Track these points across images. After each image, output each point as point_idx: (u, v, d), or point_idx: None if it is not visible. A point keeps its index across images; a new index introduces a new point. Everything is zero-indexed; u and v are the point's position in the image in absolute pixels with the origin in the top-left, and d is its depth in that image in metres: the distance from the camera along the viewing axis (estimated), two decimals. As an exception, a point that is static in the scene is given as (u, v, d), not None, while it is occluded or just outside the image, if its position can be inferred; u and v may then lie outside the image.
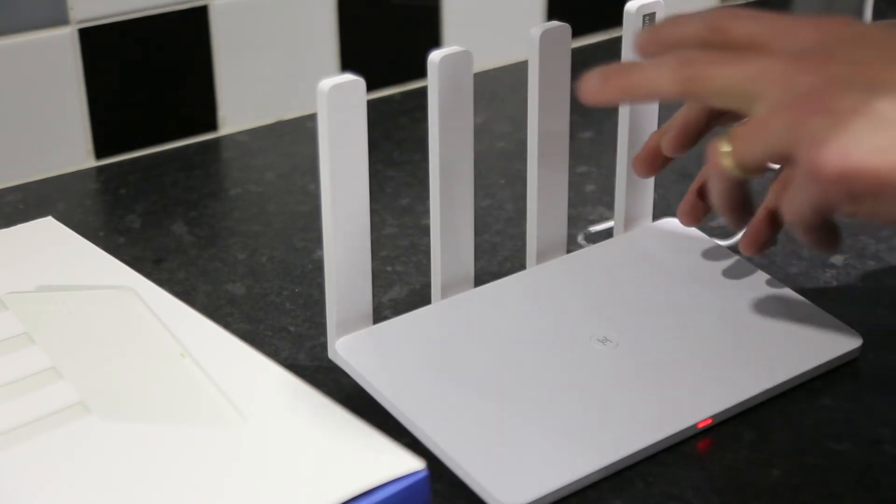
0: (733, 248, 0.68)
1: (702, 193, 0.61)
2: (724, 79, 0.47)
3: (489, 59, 0.96)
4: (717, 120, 0.60)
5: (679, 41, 0.50)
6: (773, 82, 0.46)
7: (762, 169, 0.47)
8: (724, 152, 0.47)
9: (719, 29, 0.49)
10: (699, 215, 0.62)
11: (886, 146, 0.43)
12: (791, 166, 0.46)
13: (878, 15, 1.00)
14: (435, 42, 0.93)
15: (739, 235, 0.70)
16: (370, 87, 0.60)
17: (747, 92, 0.47)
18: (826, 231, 0.49)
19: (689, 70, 0.48)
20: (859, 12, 0.98)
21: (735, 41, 0.49)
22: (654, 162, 0.61)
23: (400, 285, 0.69)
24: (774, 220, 0.57)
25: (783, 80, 0.46)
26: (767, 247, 0.59)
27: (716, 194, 0.50)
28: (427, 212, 0.63)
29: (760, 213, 0.57)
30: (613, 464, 0.54)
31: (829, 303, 0.65)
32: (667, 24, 0.51)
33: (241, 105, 0.87)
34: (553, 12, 0.98)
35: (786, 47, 0.47)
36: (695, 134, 0.58)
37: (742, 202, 0.51)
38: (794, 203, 0.47)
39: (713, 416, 0.57)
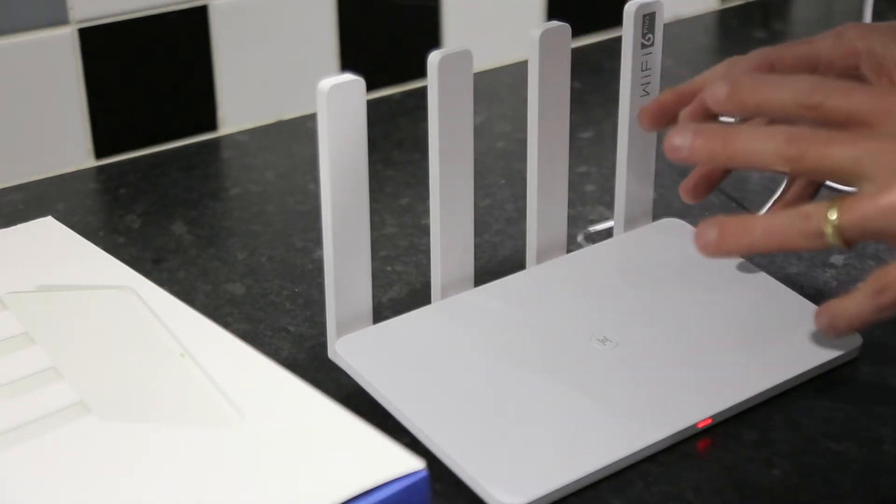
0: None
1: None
2: (832, 160, 0.47)
3: (489, 59, 0.96)
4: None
5: (764, 110, 0.51)
6: (884, 165, 0.46)
7: (857, 243, 0.48)
8: (829, 220, 0.47)
9: (812, 106, 0.49)
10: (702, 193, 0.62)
11: None
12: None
13: (877, 15, 1.00)
14: (435, 42, 0.93)
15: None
16: (370, 87, 0.60)
17: (856, 172, 0.47)
18: None
19: (797, 149, 0.48)
20: (859, 12, 0.98)
21: (832, 119, 0.49)
22: (660, 117, 0.59)
23: (400, 285, 0.69)
24: None
25: (892, 163, 0.46)
26: None
27: (778, 247, 0.50)
28: (427, 212, 0.63)
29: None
30: (613, 464, 0.54)
31: (829, 303, 0.65)
32: (748, 84, 0.51)
33: (241, 105, 0.87)
34: (553, 12, 0.98)
35: (888, 128, 0.48)
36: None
37: None
38: None
39: (713, 416, 0.57)
